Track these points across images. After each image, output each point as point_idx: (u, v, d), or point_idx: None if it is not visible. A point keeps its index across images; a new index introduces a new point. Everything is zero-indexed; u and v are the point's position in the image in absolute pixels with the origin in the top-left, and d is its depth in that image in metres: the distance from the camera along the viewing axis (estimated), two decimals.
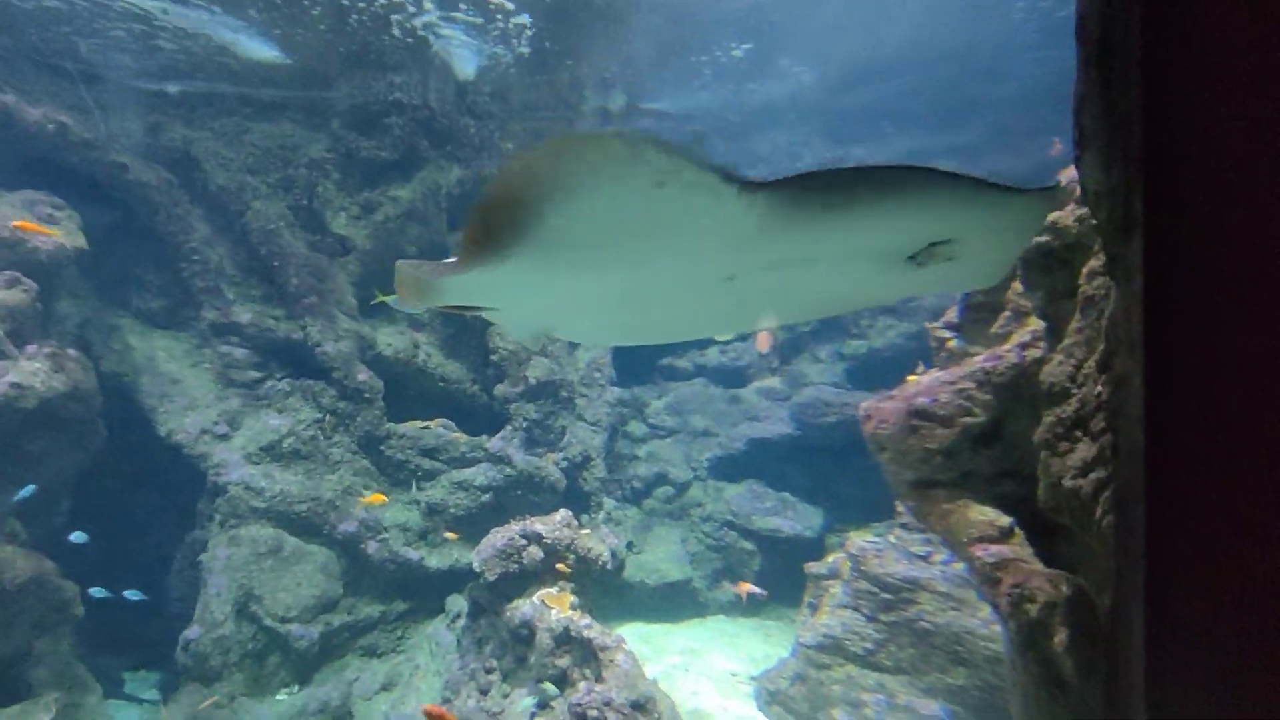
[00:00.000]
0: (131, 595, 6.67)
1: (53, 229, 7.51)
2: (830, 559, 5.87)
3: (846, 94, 12.15)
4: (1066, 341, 2.08)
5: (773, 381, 10.35)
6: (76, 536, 6.85)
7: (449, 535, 8.94)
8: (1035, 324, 2.46)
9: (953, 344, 3.08)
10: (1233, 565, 1.12)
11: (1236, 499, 1.11)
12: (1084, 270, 2.14)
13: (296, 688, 8.29)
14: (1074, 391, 2.05)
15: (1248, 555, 1.11)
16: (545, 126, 11.68)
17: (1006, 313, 2.74)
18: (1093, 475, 1.84)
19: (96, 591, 6.71)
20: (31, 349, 6.24)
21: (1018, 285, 2.66)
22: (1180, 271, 1.14)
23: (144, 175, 8.89)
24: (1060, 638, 1.86)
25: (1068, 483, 1.92)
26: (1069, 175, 2.57)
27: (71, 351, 7.11)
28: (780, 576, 8.02)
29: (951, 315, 3.22)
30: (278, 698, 8.15)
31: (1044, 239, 2.14)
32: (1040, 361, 2.25)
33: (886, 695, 4.76)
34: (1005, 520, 2.22)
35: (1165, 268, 1.15)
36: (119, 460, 8.91)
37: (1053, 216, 2.18)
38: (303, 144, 10.31)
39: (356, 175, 10.39)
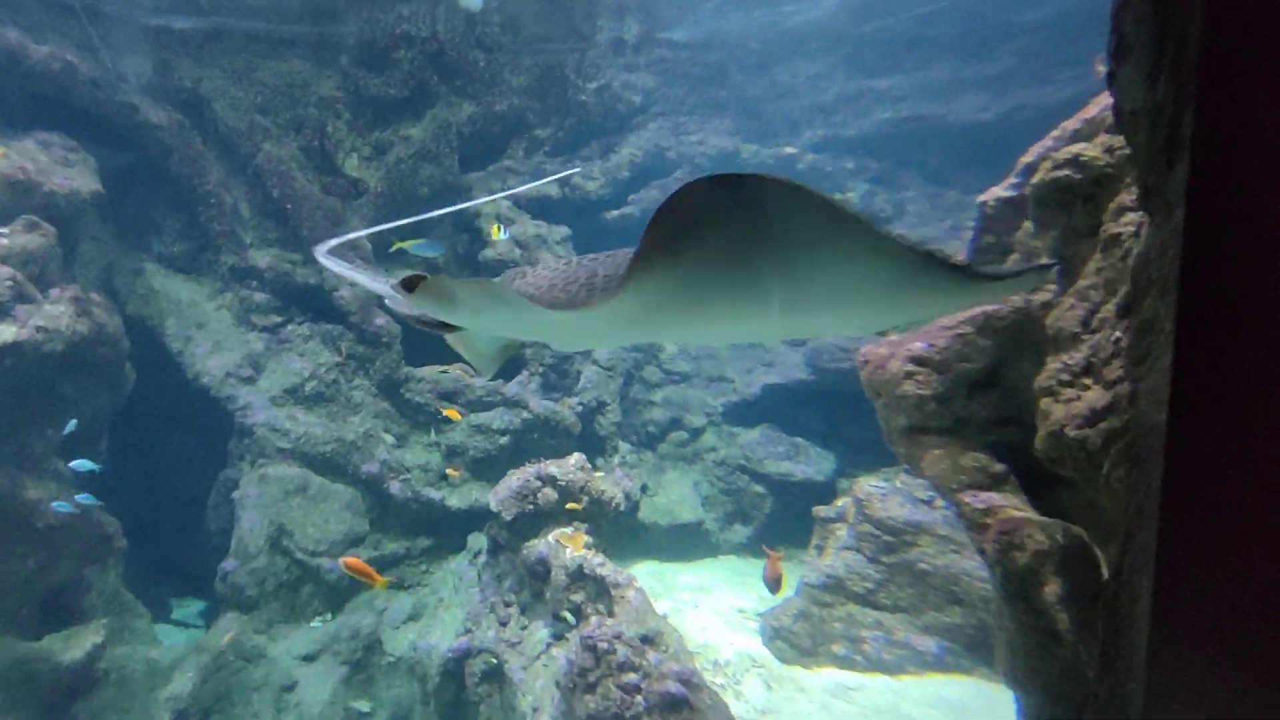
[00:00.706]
0: (79, 466, 6.83)
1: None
2: (839, 503, 5.93)
3: (870, 20, 11.45)
4: (1081, 283, 1.98)
5: None
6: (79, 464, 6.80)
7: (450, 472, 9.15)
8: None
9: None
10: (1258, 533, 1.00)
11: (1270, 461, 0.98)
12: (1110, 206, 2.01)
13: (329, 616, 8.72)
14: (1085, 337, 1.96)
15: (1276, 523, 0.99)
16: (558, 59, 11.25)
17: (1015, 255, 2.60)
18: (1103, 425, 1.77)
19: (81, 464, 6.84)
20: (55, 293, 6.36)
21: (1028, 225, 2.51)
22: (1228, 204, 0.97)
23: (154, 116, 8.80)
24: (1053, 588, 1.83)
25: (1072, 432, 1.85)
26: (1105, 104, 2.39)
27: (95, 295, 7.23)
28: (791, 519, 8.13)
29: (959, 259, 3.08)
30: (312, 625, 8.59)
31: (1063, 174, 2.00)
32: (1047, 306, 2.15)
33: (884, 633, 4.89)
34: (998, 467, 2.17)
35: (1211, 199, 0.98)
36: (153, 402, 9.19)
37: (1074, 149, 2.03)
38: (312, 82, 10.10)
39: (368, 114, 10.19)
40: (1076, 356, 1.92)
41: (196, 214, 9.46)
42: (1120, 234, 1.94)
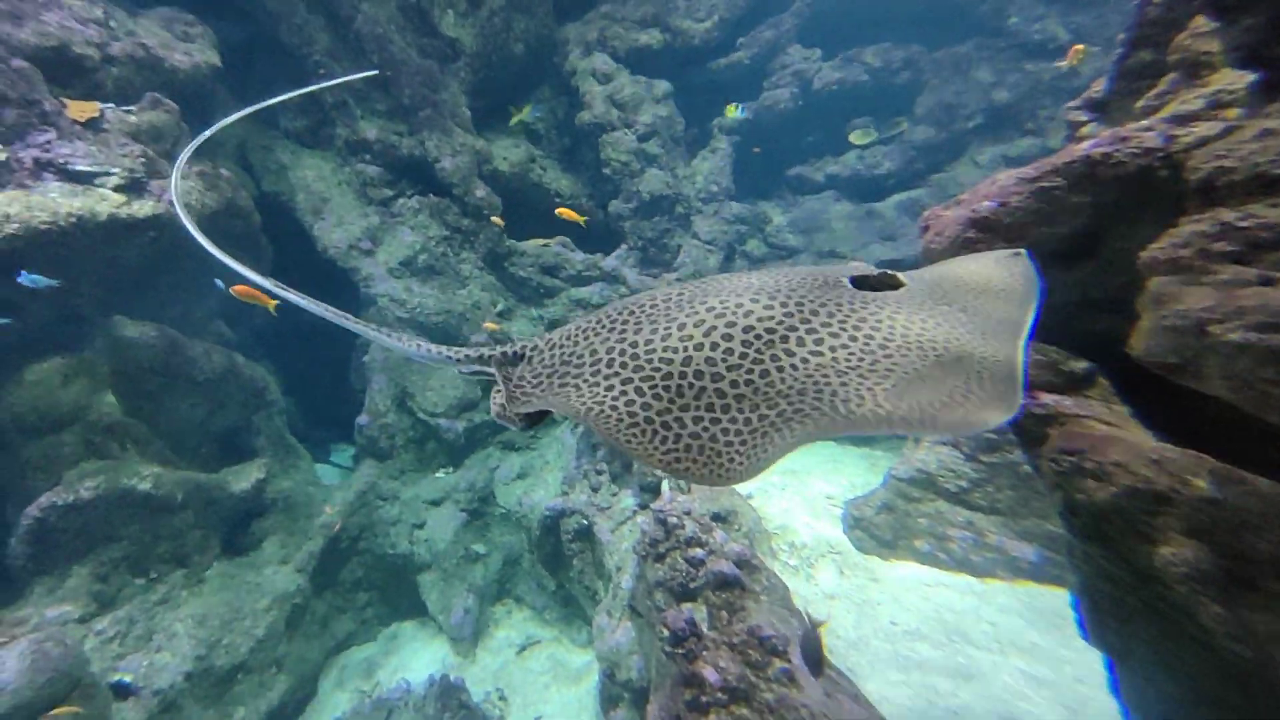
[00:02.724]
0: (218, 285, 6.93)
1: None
2: None
3: None
4: None
5: (918, 193, 8.89)
6: (25, 279, 5.59)
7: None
8: (1224, 80, 1.54)
9: (1088, 130, 2.14)
10: None
11: None
12: None
13: (451, 469, 9.68)
14: None
15: None
16: None
17: (1173, 74, 1.74)
18: None
19: None
20: (185, 168, 6.86)
21: (1198, 20, 1.64)
22: None
23: None
24: (1185, 554, 1.29)
25: (1235, 335, 1.24)
26: None
27: (224, 170, 7.75)
28: None
29: (1098, 87, 2.20)
30: (437, 475, 9.59)
31: None
32: (1205, 141, 1.42)
33: (975, 534, 4.45)
34: (1078, 364, 1.57)
35: None
36: (298, 271, 10.04)
37: None
38: None
39: None
40: (1274, 214, 1.26)
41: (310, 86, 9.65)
42: None
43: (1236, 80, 1.51)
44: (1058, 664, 3.65)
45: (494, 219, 9.16)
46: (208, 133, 2.85)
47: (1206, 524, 1.27)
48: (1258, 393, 1.26)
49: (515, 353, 2.07)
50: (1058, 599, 4.11)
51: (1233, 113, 1.48)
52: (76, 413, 6.43)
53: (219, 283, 7.89)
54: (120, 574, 6.56)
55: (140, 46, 6.74)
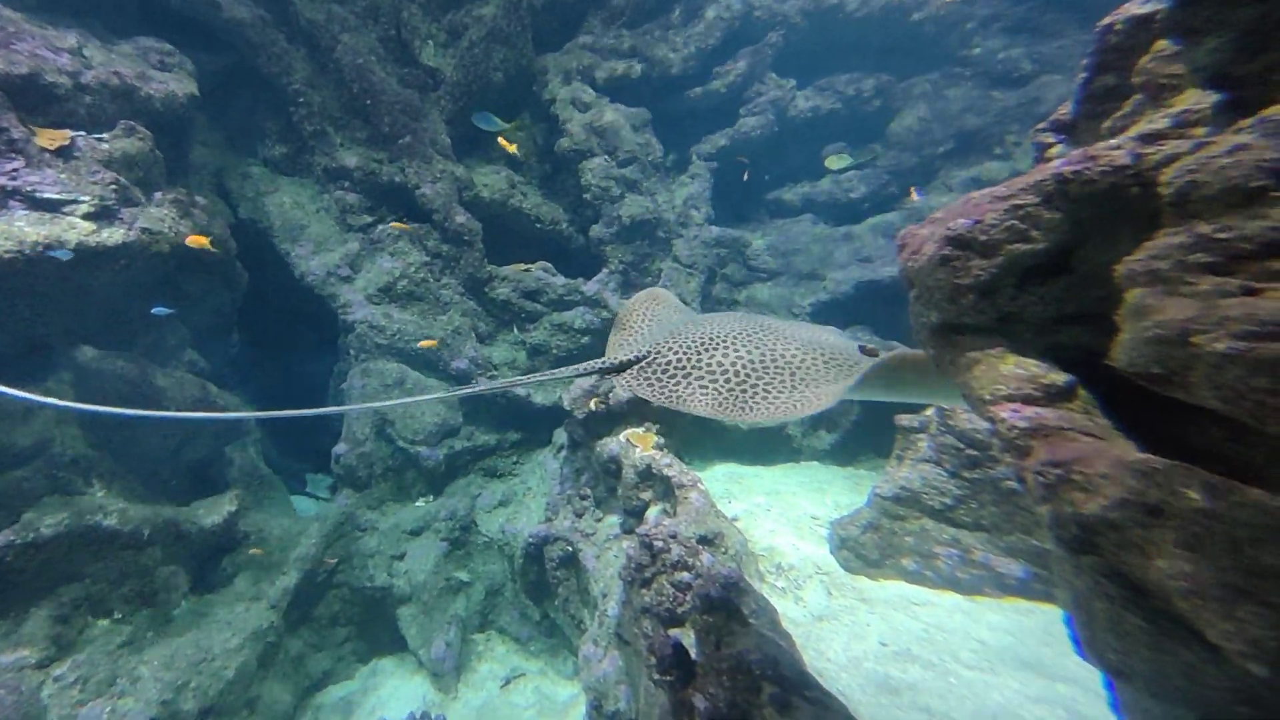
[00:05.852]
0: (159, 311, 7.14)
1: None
2: (927, 412, 5.34)
3: None
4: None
5: (892, 216, 9.06)
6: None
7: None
8: (1188, 101, 1.59)
9: (1056, 151, 2.20)
10: None
11: None
12: None
13: (431, 498, 9.47)
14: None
15: None
16: None
17: (1136, 98, 1.80)
18: None
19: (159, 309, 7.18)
20: (158, 196, 6.77)
21: (1160, 44, 1.71)
22: None
23: (237, 13, 8.85)
24: (1183, 567, 1.25)
25: (1221, 345, 1.24)
26: None
27: (200, 198, 7.65)
28: (879, 428, 7.57)
29: (1065, 111, 2.27)
30: (416, 504, 9.38)
31: None
32: (1172, 159, 1.45)
33: (960, 550, 4.44)
34: (1058, 378, 1.57)
35: None
36: (276, 298, 9.92)
37: None
38: None
39: None
40: (1251, 226, 1.28)
41: (290, 115, 9.66)
42: None
43: (1201, 100, 1.56)
44: (1050, 683, 3.63)
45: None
46: None
47: (1204, 537, 1.24)
48: (1253, 403, 1.23)
49: (639, 356, 3.33)
50: (1047, 615, 4.10)
51: (1200, 131, 1.52)
52: (39, 447, 6.20)
53: (159, 310, 7.60)
54: (82, 615, 6.27)
55: (115, 75, 6.68)
